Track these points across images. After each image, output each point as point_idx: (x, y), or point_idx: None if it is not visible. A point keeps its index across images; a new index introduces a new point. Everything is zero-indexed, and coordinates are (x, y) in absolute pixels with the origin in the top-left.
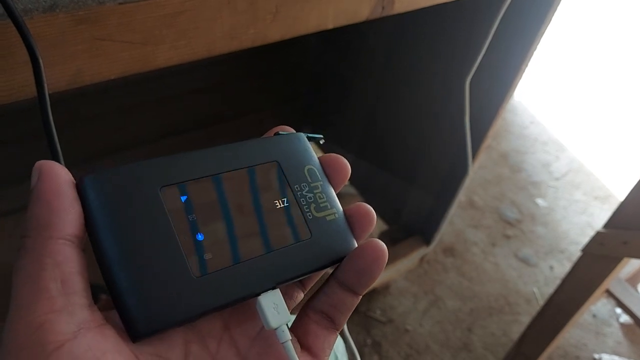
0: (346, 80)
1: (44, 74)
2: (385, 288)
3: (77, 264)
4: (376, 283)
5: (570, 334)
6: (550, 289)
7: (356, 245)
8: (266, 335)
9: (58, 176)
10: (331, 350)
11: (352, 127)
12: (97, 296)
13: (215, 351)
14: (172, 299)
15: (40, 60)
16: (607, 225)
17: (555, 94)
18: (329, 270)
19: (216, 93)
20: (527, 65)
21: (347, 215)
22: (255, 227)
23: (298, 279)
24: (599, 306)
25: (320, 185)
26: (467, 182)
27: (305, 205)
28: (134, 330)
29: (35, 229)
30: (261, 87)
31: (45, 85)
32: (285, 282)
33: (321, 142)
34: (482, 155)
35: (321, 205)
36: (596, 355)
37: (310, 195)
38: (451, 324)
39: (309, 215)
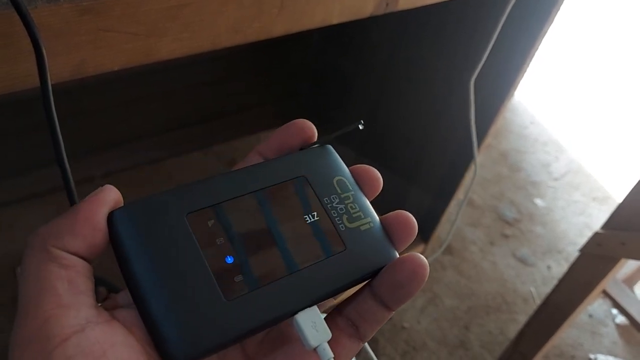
0: (347, 76)
1: (47, 64)
2: None
3: (83, 268)
4: None
5: (567, 334)
6: (547, 289)
7: (397, 255)
8: (273, 338)
9: (102, 200)
10: (350, 359)
11: (353, 124)
12: (96, 288)
13: (223, 352)
14: (206, 326)
15: (44, 50)
16: (605, 226)
17: (556, 94)
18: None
19: (218, 87)
20: (529, 65)
21: (385, 224)
22: (285, 245)
23: (335, 295)
24: (595, 306)
25: (352, 195)
26: (468, 182)
27: (336, 217)
28: (171, 358)
29: (47, 229)
30: (263, 82)
31: (48, 75)
32: (322, 299)
33: (360, 127)
34: (482, 155)
35: (354, 215)
36: (592, 356)
37: (342, 206)
38: (448, 322)
39: (342, 227)
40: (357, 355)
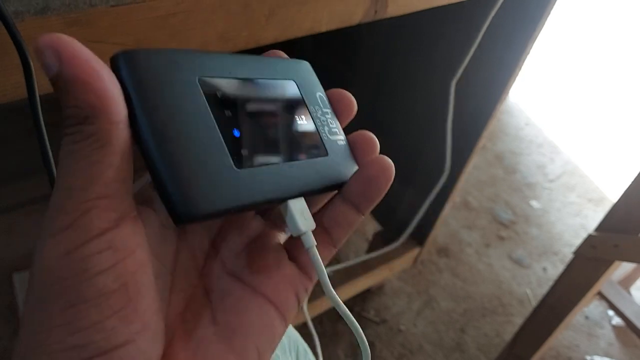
0: (344, 79)
1: (35, 77)
2: (379, 288)
3: (130, 148)
4: (370, 283)
5: (563, 336)
6: (543, 291)
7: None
8: (250, 249)
9: (84, 53)
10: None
11: (347, 127)
12: None
13: (202, 264)
14: (215, 187)
15: (32, 64)
16: (599, 228)
17: (551, 96)
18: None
19: None
20: (521, 67)
21: (350, 142)
22: (284, 134)
23: (315, 195)
24: (591, 308)
25: (329, 112)
26: (461, 184)
27: (320, 126)
28: (176, 215)
29: (92, 116)
30: None
31: (36, 88)
32: (308, 194)
33: None
34: (476, 156)
35: (332, 129)
36: (588, 357)
37: (323, 118)
38: (444, 325)
39: (324, 136)
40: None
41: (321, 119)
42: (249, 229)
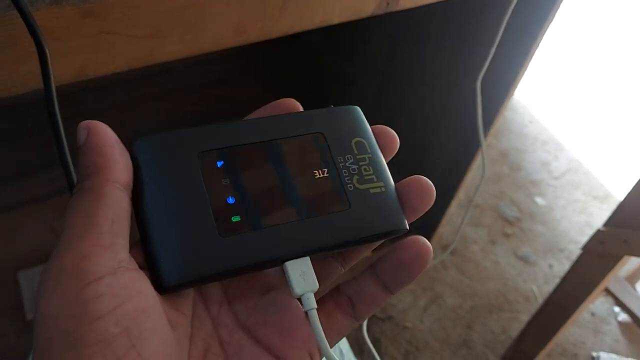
0: (348, 76)
1: (50, 66)
2: None
3: (126, 209)
4: None
5: (569, 332)
6: (549, 288)
7: (406, 224)
8: (265, 304)
9: (107, 131)
10: (340, 339)
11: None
12: None
13: (216, 315)
14: (198, 256)
15: (47, 52)
16: (608, 223)
17: (555, 93)
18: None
19: (215, 89)
20: (529, 64)
21: (400, 189)
22: (288, 194)
23: (331, 252)
24: (597, 304)
25: (369, 157)
26: (473, 183)
27: (347, 176)
28: (160, 282)
29: (93, 173)
30: (263, 83)
31: (52, 77)
32: (316, 252)
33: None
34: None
35: (366, 177)
36: (594, 354)
37: (355, 167)
38: (451, 321)
39: (350, 186)
40: (361, 355)
41: (351, 168)
42: (264, 282)
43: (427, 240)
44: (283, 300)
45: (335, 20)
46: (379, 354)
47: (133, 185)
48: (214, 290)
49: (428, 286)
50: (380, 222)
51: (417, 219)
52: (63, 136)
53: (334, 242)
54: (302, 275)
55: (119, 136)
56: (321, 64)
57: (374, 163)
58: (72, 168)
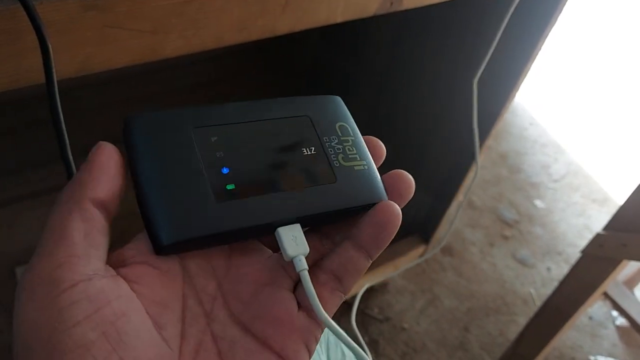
0: (348, 75)
1: (52, 60)
2: (383, 286)
3: (100, 224)
4: (374, 280)
5: (567, 336)
6: (547, 290)
7: (386, 196)
8: (259, 299)
9: (110, 152)
10: (332, 314)
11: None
12: None
13: (209, 310)
14: (193, 217)
15: (50, 46)
16: (607, 227)
17: (555, 96)
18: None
19: (215, 88)
20: (530, 67)
21: (384, 180)
22: (279, 167)
23: (319, 223)
24: (595, 308)
25: (352, 140)
26: (469, 183)
27: (332, 154)
28: (158, 242)
29: (71, 185)
30: (262, 82)
31: (54, 71)
32: (305, 219)
33: None
34: (481, 156)
35: (350, 156)
36: (592, 357)
37: (339, 146)
38: (448, 323)
39: (336, 162)
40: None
41: (336, 147)
42: (258, 277)
43: (395, 204)
44: (277, 294)
45: (339, 19)
46: (376, 355)
47: (129, 156)
48: (207, 285)
49: (426, 288)
50: (364, 194)
51: (418, 219)
52: (64, 131)
53: (322, 210)
54: (294, 239)
55: (119, 133)
56: (320, 64)
57: (356, 145)
58: (72, 164)
